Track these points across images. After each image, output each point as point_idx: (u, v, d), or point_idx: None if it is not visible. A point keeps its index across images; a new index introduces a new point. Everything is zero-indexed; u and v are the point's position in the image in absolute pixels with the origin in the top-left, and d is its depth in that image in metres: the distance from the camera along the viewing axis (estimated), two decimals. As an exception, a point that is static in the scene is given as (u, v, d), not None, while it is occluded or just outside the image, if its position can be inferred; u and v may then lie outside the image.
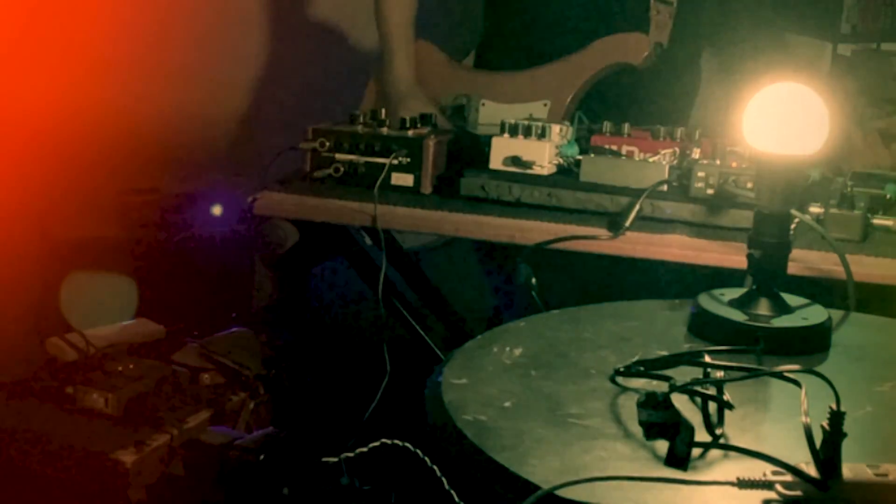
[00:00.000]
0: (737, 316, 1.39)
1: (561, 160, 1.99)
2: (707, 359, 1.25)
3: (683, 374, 1.21)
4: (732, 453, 1.08)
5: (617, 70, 2.24)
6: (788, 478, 1.00)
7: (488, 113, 2.26)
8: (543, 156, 1.96)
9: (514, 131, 1.98)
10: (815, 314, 1.42)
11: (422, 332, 2.25)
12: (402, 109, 2.19)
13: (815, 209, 1.79)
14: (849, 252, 1.63)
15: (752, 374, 1.23)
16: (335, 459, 1.91)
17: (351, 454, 1.95)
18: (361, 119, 2.07)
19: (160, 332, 2.28)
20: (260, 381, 2.09)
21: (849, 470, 1.00)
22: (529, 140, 1.97)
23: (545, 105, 2.22)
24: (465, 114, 2.29)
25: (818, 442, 1.00)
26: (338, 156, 2.03)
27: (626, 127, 2.04)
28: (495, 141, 1.98)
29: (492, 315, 2.53)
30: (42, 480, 1.83)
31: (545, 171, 1.96)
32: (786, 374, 1.20)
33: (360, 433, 2.04)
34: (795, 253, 1.49)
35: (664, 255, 1.78)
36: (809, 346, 1.39)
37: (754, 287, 1.42)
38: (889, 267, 1.70)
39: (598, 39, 2.24)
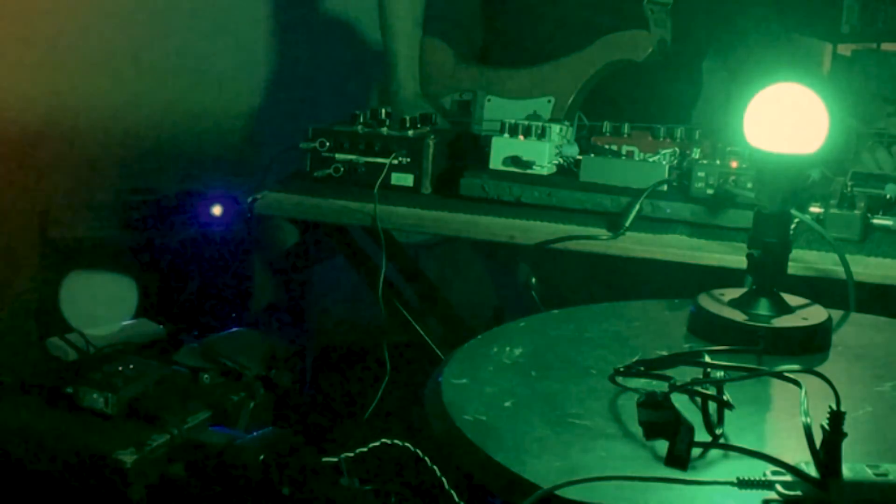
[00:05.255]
0: (737, 316, 1.39)
1: (561, 160, 1.99)
2: (707, 359, 1.25)
3: (683, 374, 1.21)
4: (732, 453, 1.08)
5: (620, 67, 2.24)
6: (788, 478, 1.00)
7: (494, 109, 2.26)
8: (543, 156, 1.96)
9: (514, 131, 1.98)
10: (815, 314, 1.42)
11: (422, 332, 2.25)
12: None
13: (815, 209, 1.79)
14: (849, 252, 1.64)
15: (752, 374, 1.23)
16: (335, 459, 1.91)
17: (351, 454, 1.95)
18: (361, 119, 2.07)
19: (160, 332, 2.27)
20: (260, 381, 2.09)
21: (849, 470, 1.00)
22: (529, 140, 1.97)
23: (549, 101, 2.23)
24: (471, 109, 2.29)
25: (818, 442, 1.00)
26: (338, 156, 2.03)
27: (626, 127, 2.04)
28: (495, 141, 1.98)
29: (492, 315, 2.53)
30: (42, 480, 1.83)
31: (545, 171, 1.96)
32: (786, 374, 1.20)
33: (360, 433, 2.04)
34: (795, 253, 1.49)
35: (664, 255, 1.78)
36: (809, 346, 1.39)
37: (754, 287, 1.42)
38: (889, 267, 1.70)
39: (602, 37, 2.24)
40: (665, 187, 1.87)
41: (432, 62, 2.36)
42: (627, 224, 1.81)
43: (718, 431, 1.11)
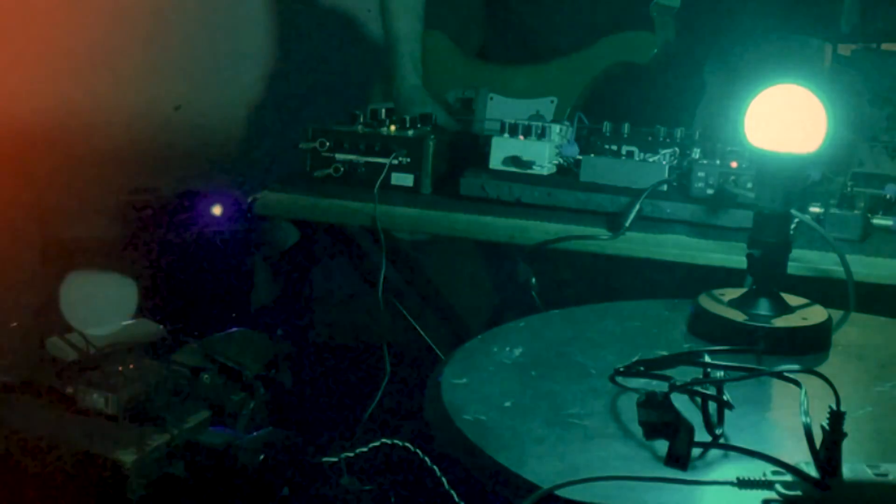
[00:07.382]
0: (737, 316, 1.39)
1: (561, 160, 1.99)
2: (707, 359, 1.25)
3: (683, 374, 1.21)
4: (732, 453, 1.08)
5: (624, 68, 2.24)
6: (788, 478, 1.00)
7: (496, 107, 2.26)
8: (543, 156, 1.96)
9: (513, 131, 1.98)
10: (815, 314, 1.42)
11: (422, 332, 2.25)
12: (408, 114, 2.19)
13: (815, 209, 1.79)
14: (849, 252, 1.64)
15: (752, 374, 1.23)
16: (335, 459, 1.91)
17: (351, 454, 1.95)
18: (361, 119, 2.07)
19: (160, 332, 2.27)
20: (260, 381, 2.09)
21: (849, 470, 1.00)
22: (529, 140, 1.97)
23: (552, 102, 2.23)
24: (473, 107, 2.29)
25: (818, 442, 1.00)
26: (338, 156, 2.04)
27: (627, 127, 2.04)
28: (495, 141, 1.98)
29: (492, 315, 2.53)
30: (42, 480, 1.83)
31: (545, 171, 1.96)
32: (786, 374, 1.20)
33: (360, 433, 2.04)
34: (795, 253, 1.49)
35: (664, 255, 1.78)
36: (809, 346, 1.39)
37: (754, 287, 1.42)
38: (889, 267, 1.70)
39: (606, 37, 2.24)
40: (665, 187, 1.87)
41: (434, 56, 2.36)
42: (627, 224, 1.81)
43: (718, 431, 1.11)
